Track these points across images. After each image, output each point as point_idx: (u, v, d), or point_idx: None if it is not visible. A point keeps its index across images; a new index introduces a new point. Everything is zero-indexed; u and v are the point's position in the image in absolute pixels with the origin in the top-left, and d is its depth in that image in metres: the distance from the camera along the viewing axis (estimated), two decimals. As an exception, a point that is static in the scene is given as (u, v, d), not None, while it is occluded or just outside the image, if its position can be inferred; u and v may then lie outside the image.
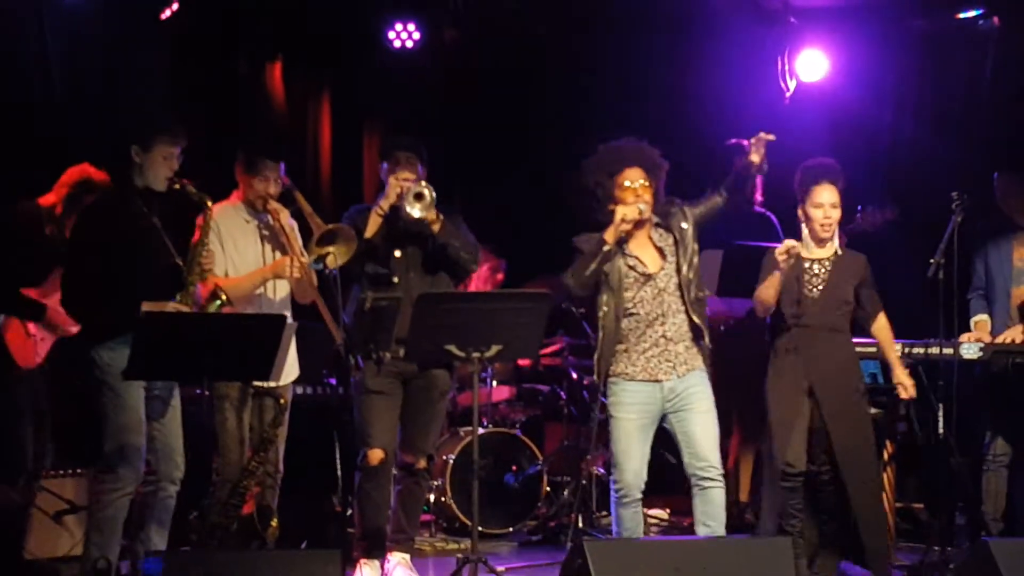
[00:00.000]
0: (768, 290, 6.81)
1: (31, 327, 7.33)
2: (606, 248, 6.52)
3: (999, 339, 7.54)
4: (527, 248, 10.31)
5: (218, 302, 6.56)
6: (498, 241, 9.31)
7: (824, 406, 6.75)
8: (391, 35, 10.13)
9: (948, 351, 7.15)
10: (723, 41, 9.90)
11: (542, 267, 9.66)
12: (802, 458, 6.77)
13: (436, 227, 6.91)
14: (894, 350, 7.03)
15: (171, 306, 6.36)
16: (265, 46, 10.01)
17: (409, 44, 10.16)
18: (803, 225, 6.93)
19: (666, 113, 9.57)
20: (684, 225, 6.66)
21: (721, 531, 6.51)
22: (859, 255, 6.94)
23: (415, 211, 6.82)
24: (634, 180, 6.58)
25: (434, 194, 6.84)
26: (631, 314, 6.55)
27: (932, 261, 6.91)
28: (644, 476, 6.53)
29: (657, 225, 6.68)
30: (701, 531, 6.51)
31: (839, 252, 6.92)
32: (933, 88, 9.61)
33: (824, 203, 6.82)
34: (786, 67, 9.89)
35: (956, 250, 7.00)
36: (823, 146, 8.80)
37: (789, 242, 6.68)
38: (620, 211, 6.53)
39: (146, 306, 6.28)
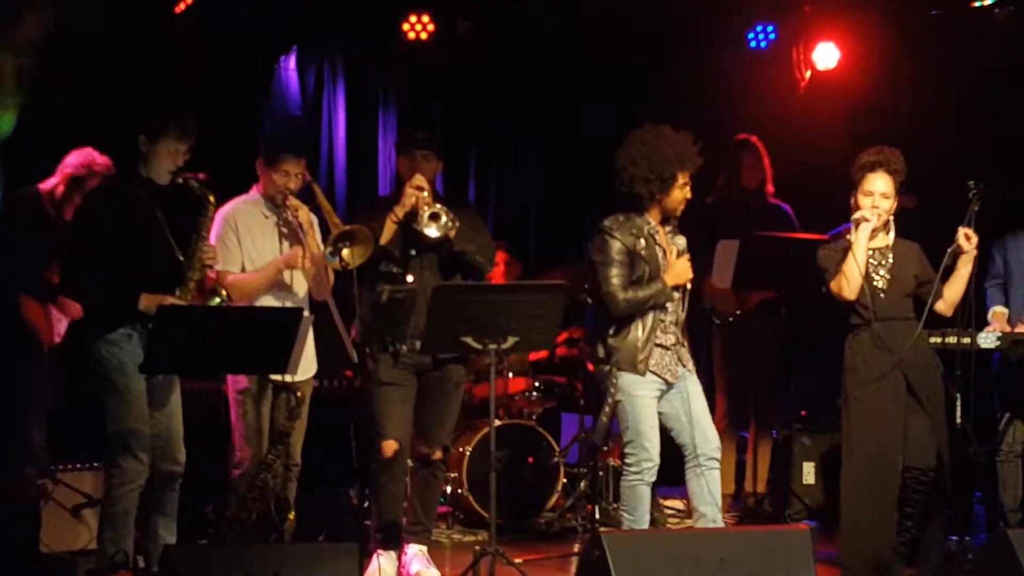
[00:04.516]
0: (851, 274, 6.59)
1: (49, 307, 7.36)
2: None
3: (1017, 329, 7.51)
4: (543, 239, 10.30)
5: (217, 299, 6.46)
6: (514, 232, 9.30)
7: (929, 407, 6.66)
8: (406, 27, 10.11)
9: (965, 340, 7.11)
10: (738, 30, 9.89)
11: (558, 258, 9.69)
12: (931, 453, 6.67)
13: (452, 234, 6.88)
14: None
15: (169, 300, 6.26)
16: (280, 38, 10.00)
17: (424, 36, 10.13)
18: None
19: (680, 104, 9.54)
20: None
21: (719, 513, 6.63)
22: (913, 244, 6.83)
23: (431, 231, 6.79)
24: (684, 187, 6.62)
25: (450, 215, 6.81)
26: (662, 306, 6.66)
27: (949, 250, 6.85)
28: None
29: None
30: (708, 512, 6.56)
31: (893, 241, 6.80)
32: (949, 77, 9.56)
33: (874, 192, 6.69)
34: (801, 57, 9.87)
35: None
36: (838, 137, 8.79)
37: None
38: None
39: (144, 299, 6.24)
